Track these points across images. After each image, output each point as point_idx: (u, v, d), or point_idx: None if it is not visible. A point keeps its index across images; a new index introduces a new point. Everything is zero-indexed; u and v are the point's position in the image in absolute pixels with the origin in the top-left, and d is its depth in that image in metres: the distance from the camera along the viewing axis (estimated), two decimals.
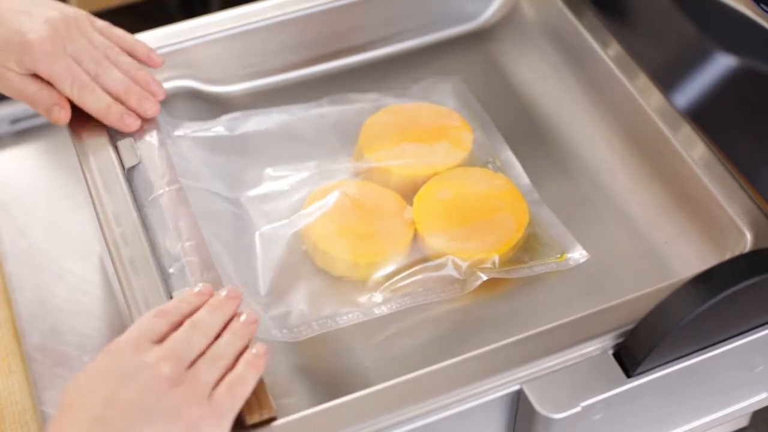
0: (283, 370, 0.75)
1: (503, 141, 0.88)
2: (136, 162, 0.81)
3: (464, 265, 0.79)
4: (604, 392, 0.67)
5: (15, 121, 1.02)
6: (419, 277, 0.79)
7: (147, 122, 0.83)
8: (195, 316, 0.68)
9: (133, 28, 0.88)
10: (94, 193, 0.78)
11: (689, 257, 0.80)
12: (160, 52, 0.88)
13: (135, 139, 0.82)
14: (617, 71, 0.88)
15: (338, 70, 0.96)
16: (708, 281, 0.68)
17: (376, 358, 0.76)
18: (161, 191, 0.78)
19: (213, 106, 0.92)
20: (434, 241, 0.80)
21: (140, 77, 0.83)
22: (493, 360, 0.69)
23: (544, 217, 0.83)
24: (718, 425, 0.79)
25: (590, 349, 0.69)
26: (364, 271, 0.79)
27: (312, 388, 0.74)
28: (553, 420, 0.66)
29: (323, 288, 0.79)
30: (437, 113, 0.89)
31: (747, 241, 0.78)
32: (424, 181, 0.84)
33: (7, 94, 0.81)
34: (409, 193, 0.83)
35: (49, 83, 0.81)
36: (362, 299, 0.78)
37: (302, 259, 0.81)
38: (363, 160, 0.85)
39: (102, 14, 0.85)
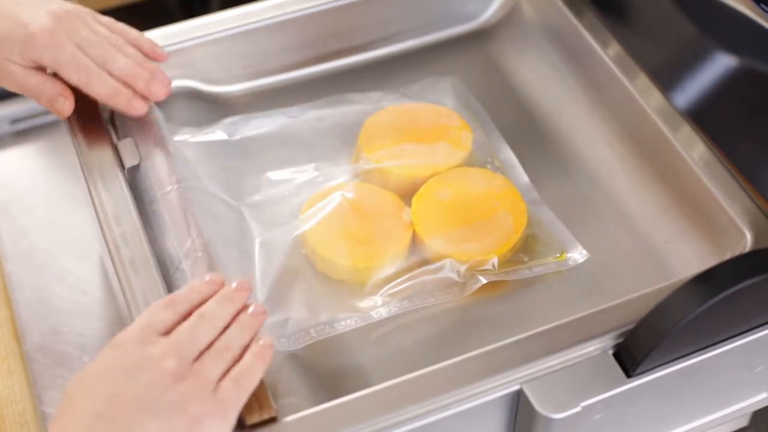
0: (283, 370, 0.75)
1: (503, 141, 0.88)
2: (137, 162, 0.81)
3: (463, 268, 0.79)
4: (604, 392, 0.67)
5: (15, 121, 1.02)
6: (418, 280, 0.79)
7: (147, 122, 0.83)
8: (204, 307, 0.68)
9: (133, 28, 0.88)
10: (94, 193, 0.78)
11: (689, 257, 0.80)
12: None
13: (135, 140, 0.82)
14: (617, 71, 0.88)
15: (338, 70, 0.96)
16: (708, 281, 0.68)
17: (375, 357, 0.76)
18: (169, 188, 0.78)
19: (213, 106, 0.92)
20: (432, 243, 0.80)
21: (146, 66, 0.83)
22: (493, 360, 0.69)
23: (543, 216, 0.83)
24: (718, 425, 0.78)
25: (590, 349, 0.69)
26: (363, 274, 0.79)
27: (312, 388, 0.74)
28: (553, 420, 0.66)
29: (322, 292, 0.79)
30: (437, 113, 0.89)
31: (747, 241, 0.78)
32: (424, 182, 0.84)
33: (9, 88, 0.81)
34: (408, 193, 0.83)
35: (51, 76, 0.81)
36: (361, 303, 0.78)
37: (302, 264, 0.81)
38: (362, 160, 0.85)
39: (102, 14, 0.85)
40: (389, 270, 0.79)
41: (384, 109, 0.89)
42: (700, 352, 0.70)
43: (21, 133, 1.03)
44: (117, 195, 0.78)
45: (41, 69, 0.81)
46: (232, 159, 0.86)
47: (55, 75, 0.81)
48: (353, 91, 0.92)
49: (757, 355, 0.73)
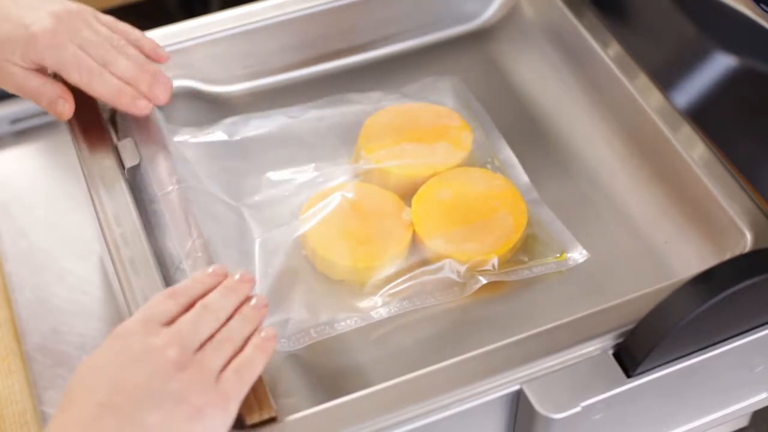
0: (283, 370, 0.75)
1: (503, 141, 0.88)
2: (137, 162, 0.81)
3: (463, 268, 0.79)
4: (604, 392, 0.67)
5: (15, 121, 1.02)
6: (418, 280, 0.79)
7: (147, 122, 0.83)
8: (207, 298, 0.67)
9: (135, 27, 0.88)
10: (94, 193, 0.78)
11: (689, 257, 0.80)
12: None
13: (136, 140, 0.82)
14: (617, 71, 0.88)
15: (338, 70, 0.96)
16: (708, 281, 0.68)
17: (375, 357, 0.76)
18: (170, 188, 0.78)
19: (213, 106, 0.92)
20: (432, 243, 0.80)
21: (148, 68, 0.83)
22: (493, 360, 0.69)
23: (543, 216, 0.83)
24: (718, 425, 0.79)
25: (590, 349, 0.69)
26: (363, 274, 0.79)
27: (312, 388, 0.74)
28: (553, 420, 0.66)
29: (322, 292, 0.79)
30: (437, 113, 0.89)
31: (747, 241, 0.78)
32: (424, 182, 0.84)
33: (9, 89, 0.81)
34: (408, 193, 0.83)
35: (52, 78, 0.81)
36: (361, 303, 0.78)
37: (302, 264, 0.81)
38: (362, 160, 0.85)
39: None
40: (389, 270, 0.79)
41: (384, 109, 0.89)
42: (700, 352, 0.70)
43: (21, 133, 1.03)
44: (117, 195, 0.78)
45: (42, 71, 0.80)
46: (232, 159, 0.86)
47: (56, 76, 0.81)
48: (353, 91, 0.92)
49: (757, 355, 0.73)
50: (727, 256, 0.78)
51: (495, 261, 0.79)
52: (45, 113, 1.00)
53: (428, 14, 0.98)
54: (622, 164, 0.87)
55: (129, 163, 0.81)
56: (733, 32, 0.84)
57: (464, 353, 0.69)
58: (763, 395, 0.78)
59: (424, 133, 0.87)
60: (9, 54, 0.79)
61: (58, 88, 0.81)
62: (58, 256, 0.93)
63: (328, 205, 0.81)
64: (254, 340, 0.67)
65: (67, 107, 0.81)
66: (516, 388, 0.68)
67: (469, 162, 0.86)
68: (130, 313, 0.71)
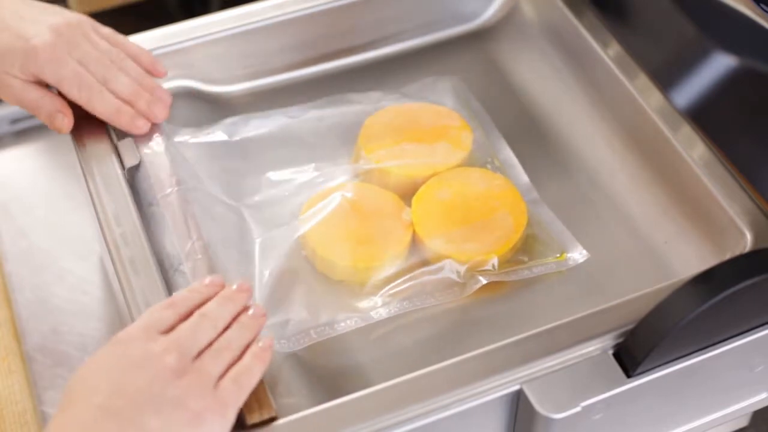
0: (283, 370, 0.75)
1: (503, 141, 0.88)
2: (137, 162, 0.81)
3: (463, 268, 0.79)
4: (604, 392, 0.67)
5: (15, 121, 1.02)
6: (418, 280, 0.79)
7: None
8: (205, 308, 0.68)
9: (133, 28, 0.88)
10: (94, 193, 0.78)
11: (689, 257, 0.80)
12: (160, 52, 0.88)
13: (136, 140, 0.82)
14: (617, 71, 0.88)
15: (338, 70, 0.96)
16: (708, 281, 0.68)
17: (375, 357, 0.76)
18: (169, 190, 0.78)
19: (213, 106, 0.92)
20: (432, 243, 0.80)
21: (147, 83, 0.83)
22: (493, 360, 0.69)
23: (543, 216, 0.83)
24: (718, 425, 0.79)
25: (590, 349, 0.69)
26: (363, 274, 0.79)
27: (312, 388, 0.74)
28: (553, 420, 0.66)
29: (323, 293, 0.79)
30: (437, 113, 0.89)
31: (747, 241, 0.78)
32: (424, 182, 0.84)
33: (8, 101, 0.81)
34: (408, 193, 0.83)
35: (51, 91, 0.81)
36: (361, 304, 0.78)
37: (302, 265, 0.81)
38: (362, 160, 0.85)
39: (102, 14, 0.85)
40: (389, 270, 0.79)
41: (384, 109, 0.89)
42: (700, 352, 0.70)
43: (21, 133, 1.03)
44: (117, 195, 0.78)
45: (41, 83, 0.80)
46: (232, 159, 0.86)
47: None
48: (353, 91, 0.92)
49: (757, 355, 0.73)
50: (727, 256, 0.78)
51: (495, 261, 0.79)
52: None
53: (428, 14, 0.98)
54: (622, 164, 0.87)
55: (129, 163, 0.81)
56: (733, 32, 0.84)
57: (464, 353, 0.69)
58: (763, 395, 0.78)
59: (424, 133, 0.87)
60: (8, 66, 0.79)
61: (57, 102, 0.81)
62: (58, 256, 0.93)
63: (328, 205, 0.81)
64: (252, 349, 0.67)
65: (66, 121, 0.81)
66: (516, 388, 0.68)
67: (469, 162, 0.86)
68: (130, 313, 0.72)
